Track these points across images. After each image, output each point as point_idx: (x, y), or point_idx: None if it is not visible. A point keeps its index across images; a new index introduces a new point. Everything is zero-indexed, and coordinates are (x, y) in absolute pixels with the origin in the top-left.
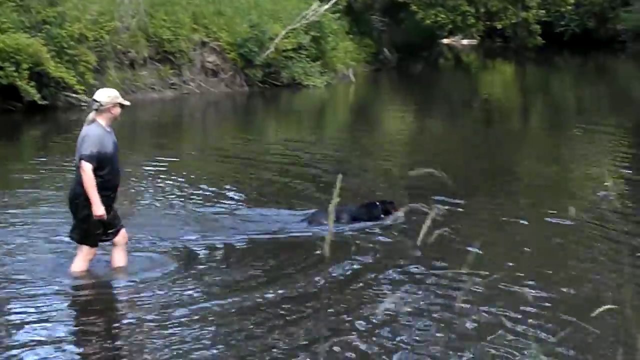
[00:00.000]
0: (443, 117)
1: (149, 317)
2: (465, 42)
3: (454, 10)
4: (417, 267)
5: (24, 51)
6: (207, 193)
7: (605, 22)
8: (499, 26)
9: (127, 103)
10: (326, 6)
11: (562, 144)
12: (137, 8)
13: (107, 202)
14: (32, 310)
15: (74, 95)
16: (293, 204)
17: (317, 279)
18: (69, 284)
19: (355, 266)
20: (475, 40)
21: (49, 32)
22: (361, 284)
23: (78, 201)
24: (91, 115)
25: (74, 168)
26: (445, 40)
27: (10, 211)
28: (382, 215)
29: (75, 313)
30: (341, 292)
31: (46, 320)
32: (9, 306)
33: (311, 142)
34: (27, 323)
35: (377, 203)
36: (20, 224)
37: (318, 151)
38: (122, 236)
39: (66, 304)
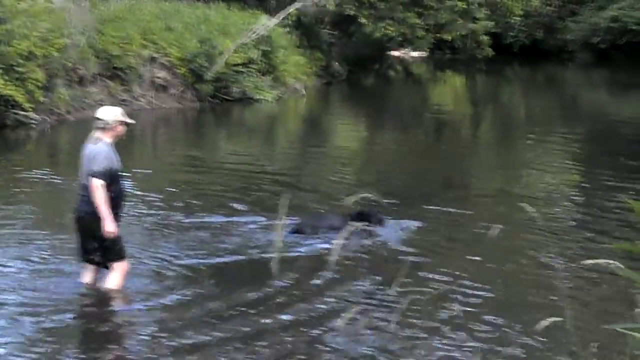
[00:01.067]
0: (393, 129)
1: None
2: (415, 54)
3: (403, 22)
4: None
5: None
6: (165, 204)
7: (554, 32)
8: (449, 38)
9: (131, 121)
10: (275, 21)
11: (511, 153)
12: (86, 25)
13: (117, 219)
14: None
15: (22, 113)
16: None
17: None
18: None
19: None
20: (425, 53)
21: None
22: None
23: (92, 220)
24: (96, 133)
25: (78, 190)
26: (395, 53)
27: None
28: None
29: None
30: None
31: None
32: None
33: (257, 157)
34: None
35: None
36: None
37: (266, 165)
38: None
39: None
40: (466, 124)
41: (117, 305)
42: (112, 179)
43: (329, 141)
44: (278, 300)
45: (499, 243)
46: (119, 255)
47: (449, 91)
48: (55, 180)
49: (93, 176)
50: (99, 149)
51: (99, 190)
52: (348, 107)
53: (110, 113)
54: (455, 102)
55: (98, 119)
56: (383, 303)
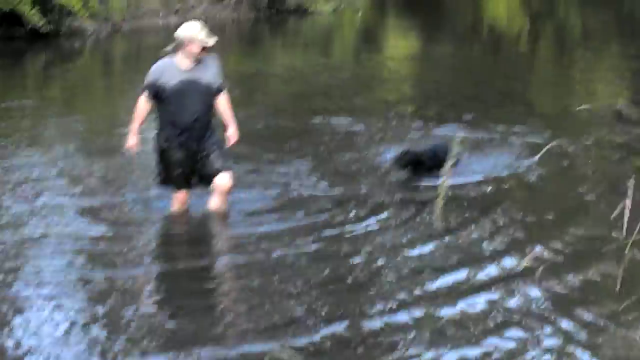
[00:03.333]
0: (448, 42)
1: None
2: None
3: None
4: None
5: None
6: None
7: None
8: None
9: (207, 42)
10: None
11: (566, 70)
12: None
13: (176, 141)
14: None
15: (77, 21)
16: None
17: None
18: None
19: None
20: None
21: None
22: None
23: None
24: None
25: None
26: None
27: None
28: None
29: None
30: None
31: None
32: None
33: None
34: None
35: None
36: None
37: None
38: (217, 182)
39: None
40: (519, 39)
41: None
42: (160, 95)
43: (384, 54)
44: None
45: None
46: (169, 185)
47: (504, 4)
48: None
49: None
50: (157, 62)
51: (137, 101)
52: (404, 19)
53: (181, 29)
54: (510, 16)
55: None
56: None
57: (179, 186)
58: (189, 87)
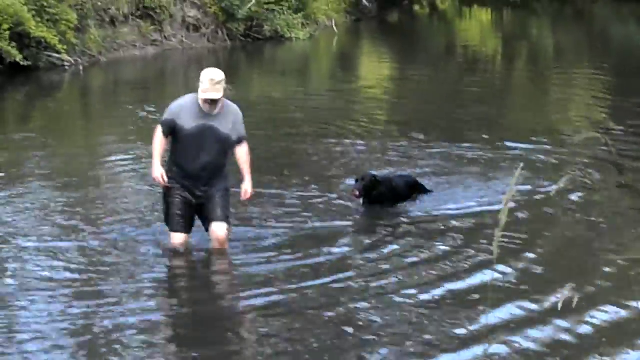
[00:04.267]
0: (424, 66)
1: None
2: None
3: None
4: None
5: (5, 11)
6: None
7: None
8: None
9: (207, 96)
10: None
11: (541, 90)
12: None
13: (180, 182)
14: None
15: (55, 55)
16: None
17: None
18: None
19: None
20: None
21: None
22: None
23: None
24: None
25: None
26: None
27: None
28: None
29: None
30: None
31: None
32: None
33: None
34: None
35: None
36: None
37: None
38: (213, 230)
39: None
40: (495, 59)
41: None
42: (175, 134)
43: (362, 79)
44: None
45: None
46: (167, 225)
47: (476, 26)
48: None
49: None
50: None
51: (155, 133)
52: (379, 44)
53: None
54: (483, 38)
55: None
56: None
57: (174, 228)
58: (206, 134)
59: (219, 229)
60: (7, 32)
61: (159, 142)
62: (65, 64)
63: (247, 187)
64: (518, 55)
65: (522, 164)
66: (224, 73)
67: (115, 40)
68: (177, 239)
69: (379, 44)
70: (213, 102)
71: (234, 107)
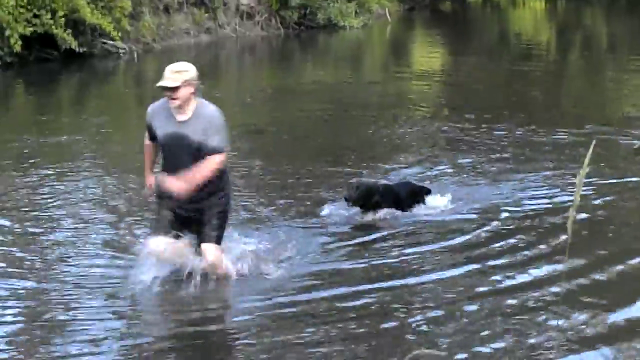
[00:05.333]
0: (479, 54)
1: None
2: None
3: None
4: None
5: None
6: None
7: None
8: None
9: (160, 83)
10: None
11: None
12: None
13: (166, 194)
14: None
15: (110, 42)
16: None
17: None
18: None
19: None
20: None
21: None
22: None
23: None
24: None
25: None
26: None
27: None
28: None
29: None
30: None
31: None
32: None
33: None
34: None
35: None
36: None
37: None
38: (203, 252)
39: None
40: (550, 49)
41: None
42: (153, 137)
43: (416, 66)
44: None
45: None
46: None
47: (530, 15)
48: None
49: None
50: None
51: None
52: (432, 33)
53: None
54: (537, 27)
55: None
56: None
57: (154, 232)
58: (177, 143)
59: (209, 253)
60: (63, 19)
61: (146, 148)
62: (120, 51)
63: (175, 182)
64: (573, 43)
65: (594, 141)
66: (278, 60)
67: (169, 27)
68: (153, 242)
69: (433, 33)
70: (172, 97)
71: (209, 110)
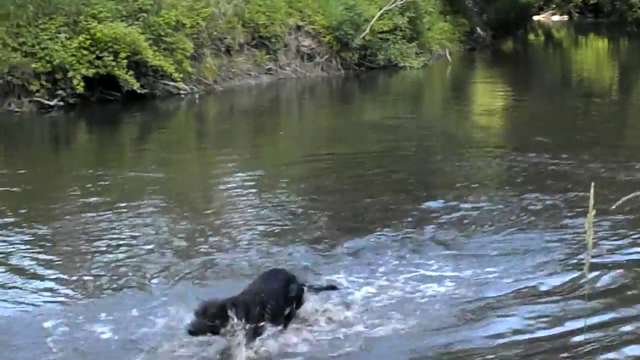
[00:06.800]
0: (542, 95)
1: None
2: (555, 18)
3: None
4: None
5: (122, 40)
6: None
7: None
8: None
9: None
10: None
11: None
12: None
13: None
14: None
15: (171, 83)
16: None
17: None
18: None
19: None
20: (565, 17)
21: (145, 20)
22: None
23: None
24: None
25: None
26: (535, 17)
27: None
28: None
29: None
30: None
31: None
32: None
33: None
34: None
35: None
36: None
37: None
38: None
39: None
40: (612, 88)
41: None
42: None
43: (477, 105)
44: None
45: None
46: None
47: (592, 55)
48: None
49: None
50: None
51: None
52: (494, 73)
53: None
54: (599, 66)
55: None
56: None
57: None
58: None
59: None
60: (125, 61)
61: None
62: (181, 92)
63: None
64: (636, 82)
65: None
66: (338, 99)
67: (230, 69)
68: None
69: (494, 73)
70: None
71: None
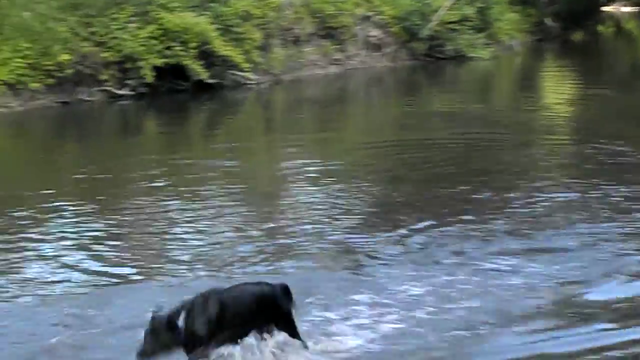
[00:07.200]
0: (614, 86)
1: None
2: (625, 9)
3: None
4: None
5: (191, 30)
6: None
7: None
8: None
9: None
10: None
11: None
12: None
13: None
14: None
15: (240, 73)
16: None
17: None
18: None
19: None
20: (636, 8)
21: (214, 10)
22: None
23: None
24: None
25: None
26: (604, 8)
27: None
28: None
29: None
30: None
31: None
32: None
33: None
34: None
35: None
36: None
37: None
38: None
39: None
40: None
41: None
42: None
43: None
44: None
45: None
46: None
47: None
48: None
49: None
50: None
51: None
52: (564, 63)
53: None
54: None
55: None
56: None
57: None
58: None
59: None
60: (194, 51)
61: None
62: (249, 82)
63: None
64: None
65: None
66: (404, 90)
67: (298, 59)
68: None
69: (564, 63)
70: None
71: None
